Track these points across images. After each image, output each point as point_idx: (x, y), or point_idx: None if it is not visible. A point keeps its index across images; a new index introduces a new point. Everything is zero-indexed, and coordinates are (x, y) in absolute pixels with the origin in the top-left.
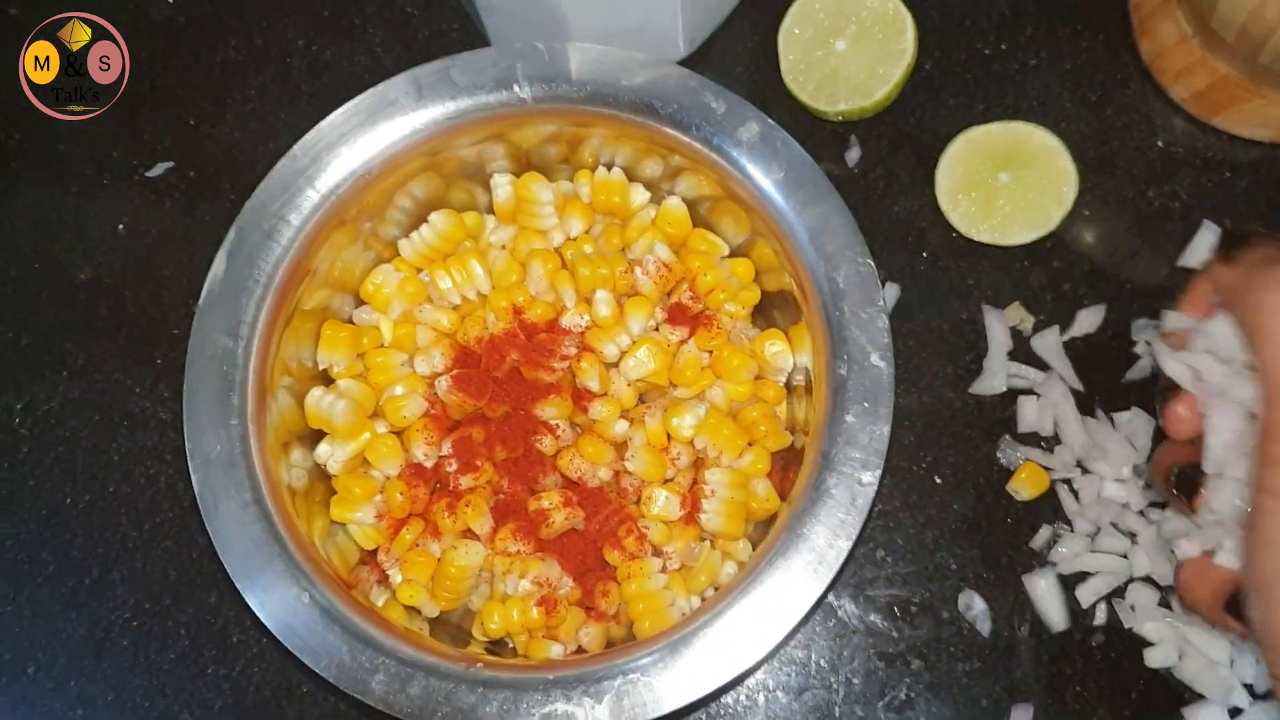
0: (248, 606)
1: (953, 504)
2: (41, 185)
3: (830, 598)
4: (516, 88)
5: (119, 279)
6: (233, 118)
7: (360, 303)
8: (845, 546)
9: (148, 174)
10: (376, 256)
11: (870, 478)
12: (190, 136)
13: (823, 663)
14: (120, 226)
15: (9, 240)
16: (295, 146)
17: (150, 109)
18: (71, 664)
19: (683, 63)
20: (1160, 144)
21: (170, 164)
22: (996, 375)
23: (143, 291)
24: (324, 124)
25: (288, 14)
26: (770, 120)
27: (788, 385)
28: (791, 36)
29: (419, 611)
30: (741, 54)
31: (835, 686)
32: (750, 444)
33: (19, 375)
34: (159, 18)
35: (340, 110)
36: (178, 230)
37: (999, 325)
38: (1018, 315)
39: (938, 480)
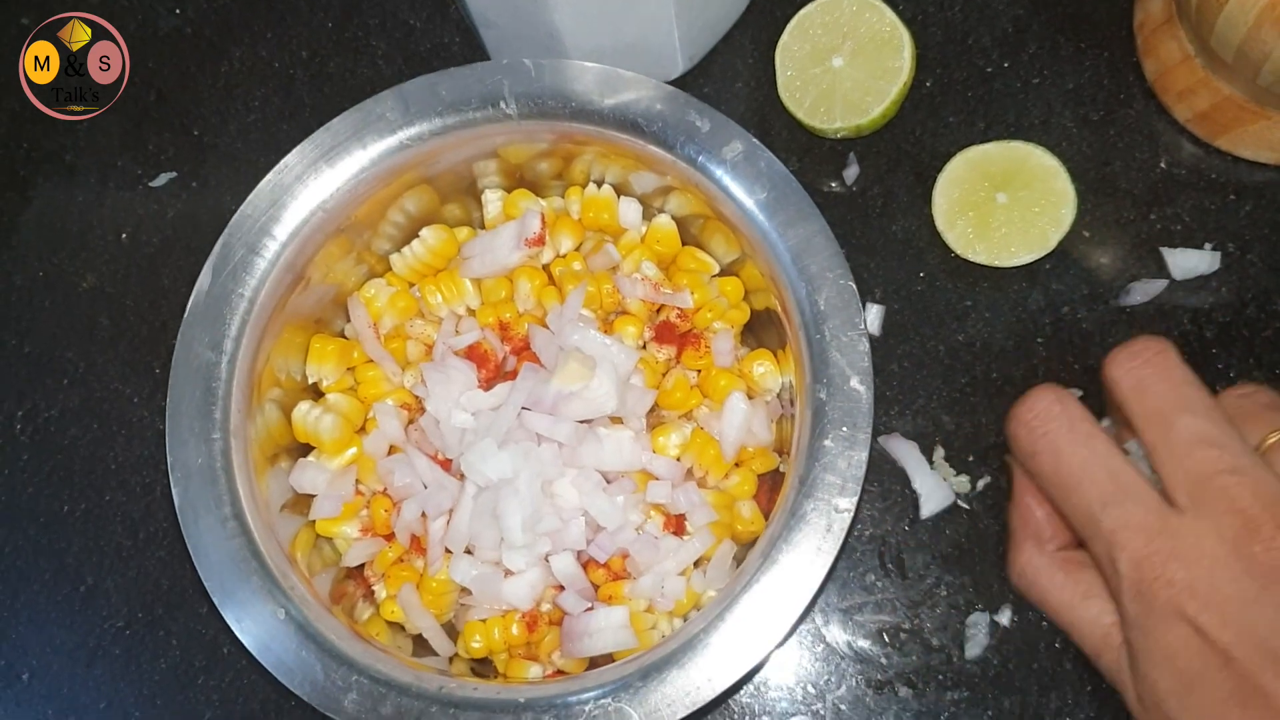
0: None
1: (945, 529)
2: (49, 194)
3: (818, 622)
4: (503, 104)
5: (121, 288)
6: (236, 129)
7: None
8: (821, 573)
9: (151, 184)
10: (369, 270)
11: (847, 504)
12: (194, 147)
13: (810, 688)
14: (124, 236)
15: (16, 248)
16: (282, 161)
17: (155, 119)
18: (65, 671)
19: (681, 79)
20: (1163, 165)
21: (174, 174)
22: None
23: (143, 301)
24: (311, 139)
25: (292, 26)
26: (755, 139)
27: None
28: (788, 53)
29: (403, 628)
30: (741, 70)
31: (822, 713)
32: (737, 465)
33: (20, 382)
34: (165, 28)
35: (327, 126)
36: (180, 241)
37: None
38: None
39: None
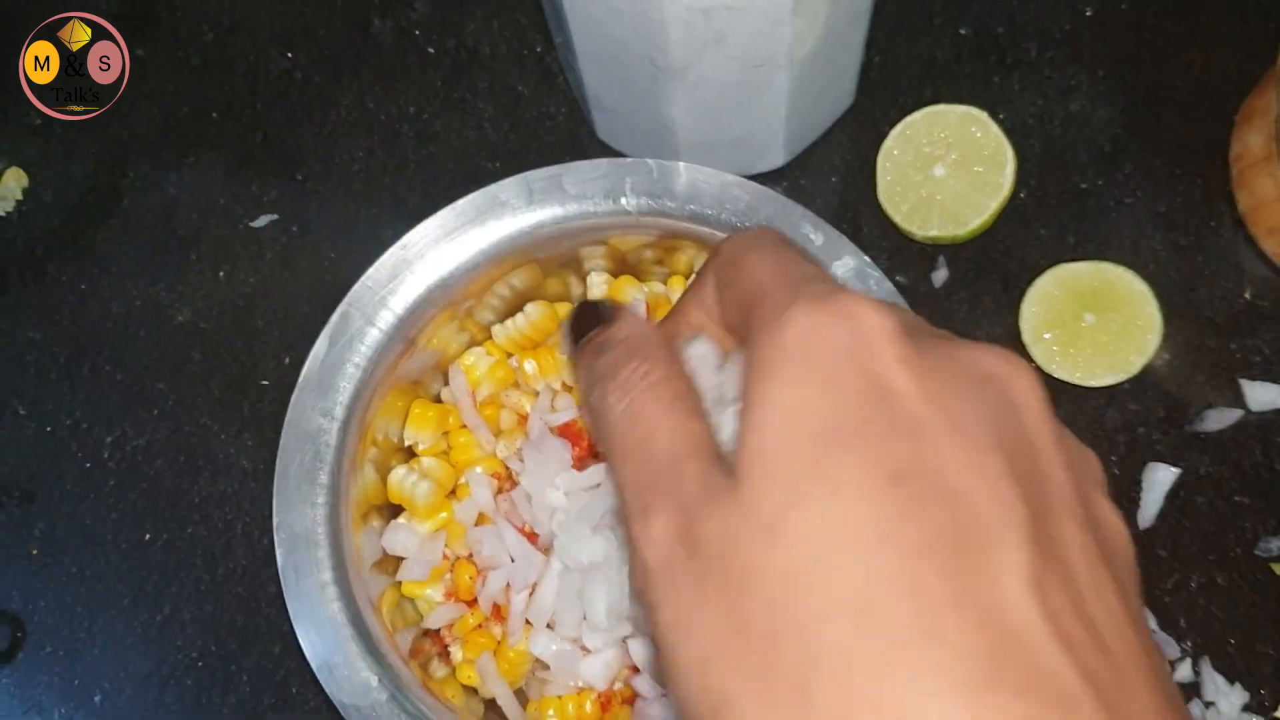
0: (308, 662)
1: None
2: (150, 225)
3: None
4: (624, 200)
5: (215, 325)
6: (339, 178)
7: (448, 380)
8: None
9: (252, 224)
10: (470, 338)
11: None
12: (296, 192)
13: None
14: (221, 274)
15: (115, 275)
16: (405, 237)
17: (260, 160)
18: (136, 697)
19: (780, 170)
20: (1247, 296)
21: (274, 217)
22: None
23: (237, 340)
24: (435, 218)
25: (400, 81)
26: (865, 257)
27: None
28: (891, 157)
29: (476, 692)
30: (839, 165)
31: None
32: None
33: (112, 409)
34: (276, 70)
35: (451, 206)
36: (276, 283)
37: None
38: None
39: None
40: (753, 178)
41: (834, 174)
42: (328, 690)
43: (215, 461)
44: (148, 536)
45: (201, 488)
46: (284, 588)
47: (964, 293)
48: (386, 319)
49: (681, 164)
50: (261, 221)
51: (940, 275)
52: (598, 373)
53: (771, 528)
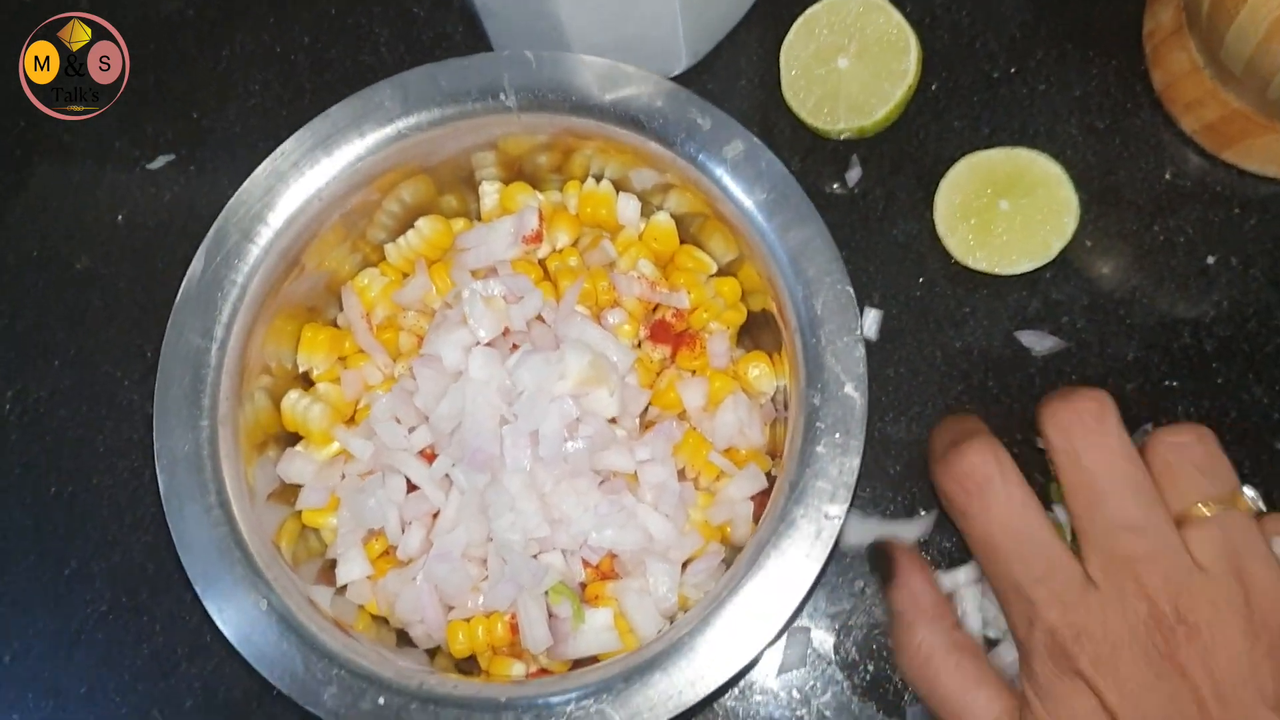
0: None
1: (937, 539)
2: (45, 174)
3: (807, 625)
4: (503, 95)
5: (115, 270)
6: (235, 113)
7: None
8: (808, 580)
9: (149, 166)
10: (363, 259)
11: (837, 511)
12: (192, 130)
13: (795, 693)
14: (119, 217)
15: (10, 227)
16: (279, 148)
17: (154, 102)
18: (46, 654)
19: (685, 75)
20: (1168, 176)
21: (171, 156)
22: None
23: (137, 284)
24: (308, 127)
25: (294, 11)
26: (756, 139)
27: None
28: (793, 52)
29: (386, 621)
30: (745, 67)
31: (807, 719)
32: None
33: (11, 362)
34: (166, 10)
35: (325, 114)
36: (176, 224)
37: None
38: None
39: (922, 512)
40: None
41: (742, 76)
42: (216, 621)
43: (119, 409)
44: (53, 490)
45: (106, 437)
46: (167, 516)
47: (879, 190)
48: (265, 234)
49: (562, 54)
50: (159, 162)
51: (854, 174)
52: (894, 628)
53: None
